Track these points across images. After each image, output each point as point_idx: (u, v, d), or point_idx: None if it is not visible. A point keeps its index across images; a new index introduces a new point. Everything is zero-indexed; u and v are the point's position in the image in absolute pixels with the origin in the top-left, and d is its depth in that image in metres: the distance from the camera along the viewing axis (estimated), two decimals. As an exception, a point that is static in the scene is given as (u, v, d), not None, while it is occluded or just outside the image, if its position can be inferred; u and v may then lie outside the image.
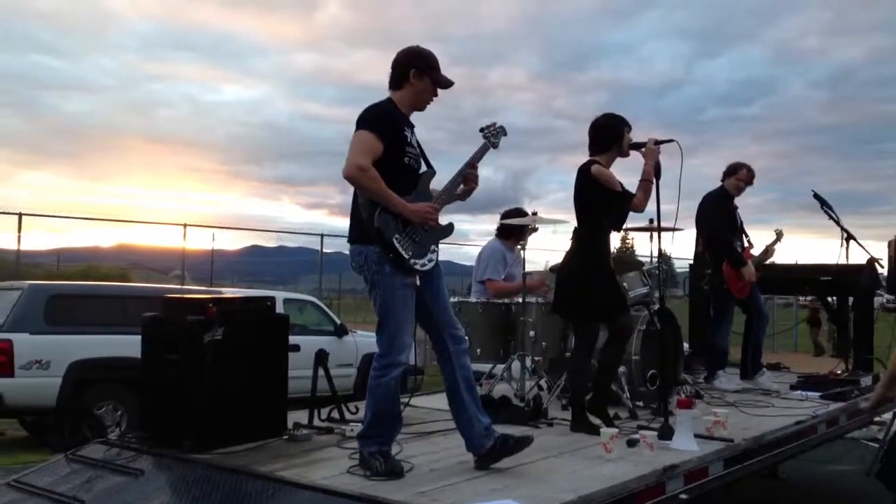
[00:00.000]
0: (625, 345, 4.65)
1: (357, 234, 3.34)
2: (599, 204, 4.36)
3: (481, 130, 3.57)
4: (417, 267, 3.27)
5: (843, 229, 6.59)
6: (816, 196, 6.59)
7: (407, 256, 3.23)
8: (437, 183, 3.50)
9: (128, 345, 6.16)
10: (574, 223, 4.51)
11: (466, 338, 3.52)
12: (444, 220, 3.44)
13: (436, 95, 3.46)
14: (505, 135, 3.60)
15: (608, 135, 4.42)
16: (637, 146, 4.38)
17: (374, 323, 3.36)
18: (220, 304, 3.71)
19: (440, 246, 3.45)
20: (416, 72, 3.38)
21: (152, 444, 3.56)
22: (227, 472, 3.19)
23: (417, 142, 3.46)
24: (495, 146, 3.59)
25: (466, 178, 3.49)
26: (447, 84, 3.45)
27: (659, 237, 4.46)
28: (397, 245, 3.20)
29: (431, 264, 3.35)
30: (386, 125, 3.28)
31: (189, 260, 14.63)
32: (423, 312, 3.44)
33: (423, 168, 3.47)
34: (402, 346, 3.27)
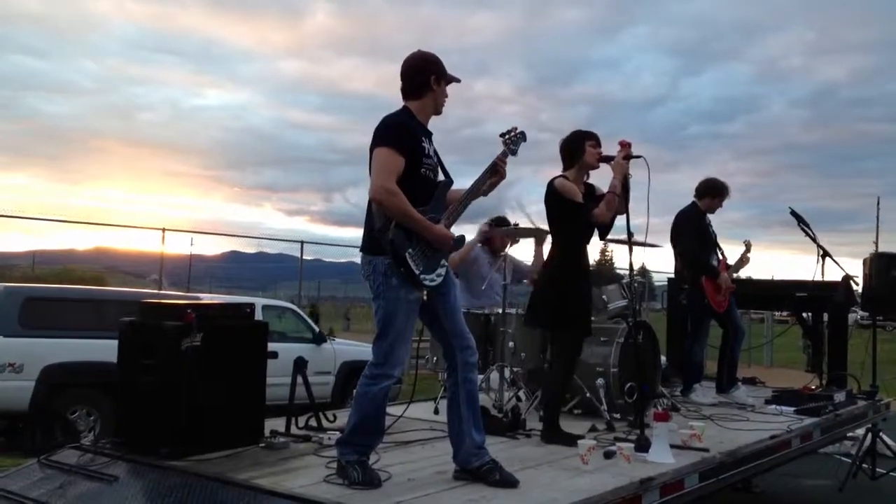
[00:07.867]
0: (569, 365, 4.48)
1: (368, 243, 3.32)
2: (564, 216, 4.45)
3: (501, 136, 3.53)
4: (426, 283, 3.25)
5: (819, 246, 6.69)
6: (794, 213, 6.68)
7: (417, 272, 3.20)
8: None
9: (103, 349, 6.09)
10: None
11: (476, 351, 3.46)
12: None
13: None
14: (524, 140, 3.55)
15: (569, 149, 4.52)
16: (606, 159, 4.45)
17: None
18: (199, 310, 3.69)
19: None
20: (437, 78, 3.38)
21: (127, 450, 3.52)
22: (203, 479, 3.16)
23: (435, 150, 3.42)
24: (514, 153, 3.53)
25: (494, 171, 3.44)
26: (458, 80, 3.48)
27: (630, 251, 4.50)
28: (409, 260, 3.18)
29: (440, 279, 3.32)
30: (405, 138, 3.25)
31: (167, 264, 14.51)
32: (436, 324, 3.44)
33: (441, 177, 3.43)
34: (397, 359, 3.25)
